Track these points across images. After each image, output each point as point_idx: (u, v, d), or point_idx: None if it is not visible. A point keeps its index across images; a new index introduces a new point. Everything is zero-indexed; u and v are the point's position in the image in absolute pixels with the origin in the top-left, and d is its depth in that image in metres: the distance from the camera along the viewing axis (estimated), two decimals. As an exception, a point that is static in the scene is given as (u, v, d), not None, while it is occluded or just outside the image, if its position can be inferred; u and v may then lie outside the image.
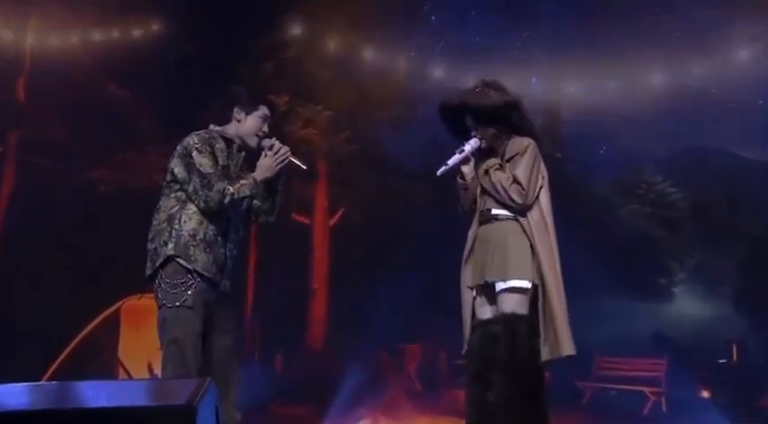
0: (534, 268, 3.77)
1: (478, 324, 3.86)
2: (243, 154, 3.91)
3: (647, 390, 10.00)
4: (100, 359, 10.05)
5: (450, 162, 3.90)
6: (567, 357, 3.76)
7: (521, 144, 3.92)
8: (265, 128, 3.92)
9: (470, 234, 4.00)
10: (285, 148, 3.88)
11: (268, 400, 8.90)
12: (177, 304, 3.60)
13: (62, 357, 9.89)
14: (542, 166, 3.94)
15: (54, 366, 9.77)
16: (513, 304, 3.74)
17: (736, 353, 11.02)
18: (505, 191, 3.80)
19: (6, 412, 1.90)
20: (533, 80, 12.11)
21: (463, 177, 3.99)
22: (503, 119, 3.95)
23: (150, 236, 3.73)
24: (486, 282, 3.86)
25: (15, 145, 11.53)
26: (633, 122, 12.92)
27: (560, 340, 3.73)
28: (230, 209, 3.71)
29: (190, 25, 11.64)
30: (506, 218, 3.88)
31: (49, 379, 9.53)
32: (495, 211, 3.90)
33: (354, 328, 11.49)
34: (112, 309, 10.18)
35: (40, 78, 11.20)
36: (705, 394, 9.94)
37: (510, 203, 3.83)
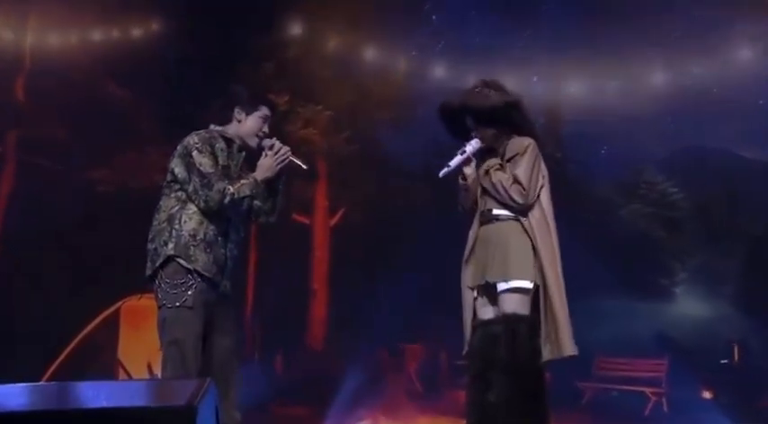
0: (536, 268, 3.77)
1: (479, 325, 3.85)
2: (243, 154, 3.90)
3: (648, 390, 9.98)
4: (100, 360, 10.04)
5: (452, 163, 3.89)
6: (569, 357, 3.76)
7: (521, 144, 3.91)
8: (266, 129, 3.91)
9: (471, 234, 3.99)
10: (285, 148, 3.87)
11: (268, 400, 8.89)
12: (177, 304, 3.59)
13: (62, 357, 9.88)
14: (543, 166, 3.94)
15: (54, 367, 9.76)
16: (515, 305, 3.74)
17: (738, 353, 11.01)
18: (506, 191, 3.80)
19: (6, 413, 1.89)
20: (534, 79, 12.11)
21: (465, 178, 3.98)
22: (503, 119, 3.94)
23: (150, 236, 3.73)
24: (487, 282, 3.86)
25: (15, 145, 11.52)
26: (634, 122, 12.91)
27: (561, 340, 3.73)
28: (230, 209, 3.70)
29: (190, 25, 11.63)
30: (507, 218, 3.87)
31: (49, 379, 9.53)
32: (496, 211, 3.89)
33: (354, 328, 11.48)
34: (112, 309, 10.17)
35: (40, 78, 11.19)
36: (706, 395, 9.93)
37: (511, 203, 3.82)
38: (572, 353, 3.76)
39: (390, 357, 11.36)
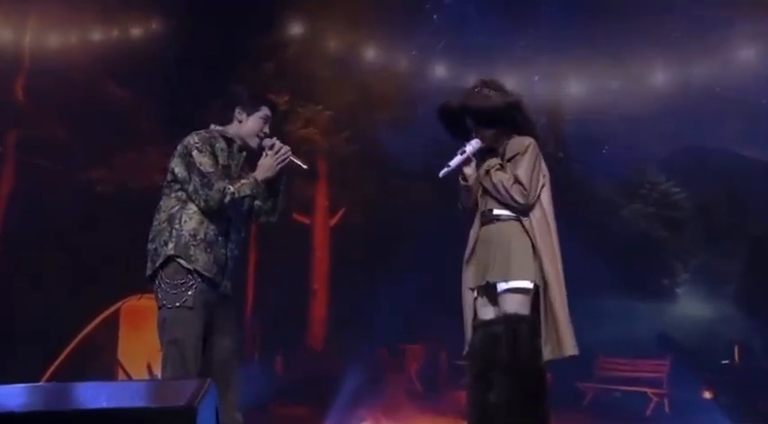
0: (536, 268, 3.76)
1: (480, 325, 3.84)
2: (244, 154, 3.89)
3: (649, 391, 9.97)
4: (99, 360, 10.03)
5: (452, 163, 3.88)
6: (570, 357, 3.75)
7: (521, 143, 3.90)
8: (266, 129, 3.91)
9: (472, 234, 3.98)
10: (286, 148, 3.86)
11: (268, 400, 8.88)
12: (177, 304, 3.58)
13: (62, 357, 9.87)
14: (543, 165, 3.92)
15: (53, 367, 9.76)
16: (516, 305, 3.73)
17: (739, 354, 11.00)
18: (507, 192, 3.78)
19: (6, 414, 1.89)
20: (535, 79, 12.09)
21: (465, 178, 3.97)
22: (503, 119, 3.93)
23: (151, 236, 3.72)
24: (487, 283, 3.85)
25: (14, 145, 11.51)
26: (636, 122, 12.90)
27: (563, 340, 3.72)
28: (231, 209, 3.69)
29: (190, 25, 11.62)
30: (508, 219, 3.86)
31: (49, 379, 9.52)
32: (496, 211, 3.88)
33: (355, 328, 11.47)
34: (112, 310, 10.16)
35: (39, 78, 11.18)
36: (708, 395, 9.90)
37: (512, 203, 3.81)
38: (573, 353, 3.75)
39: (390, 357, 11.35)
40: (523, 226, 3.81)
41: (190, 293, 3.58)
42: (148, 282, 3.73)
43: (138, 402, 2.17)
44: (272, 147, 3.84)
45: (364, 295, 12.22)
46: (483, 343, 3.75)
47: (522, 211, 3.82)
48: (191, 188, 3.66)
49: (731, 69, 10.84)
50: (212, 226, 3.68)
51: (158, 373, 3.88)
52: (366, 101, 12.31)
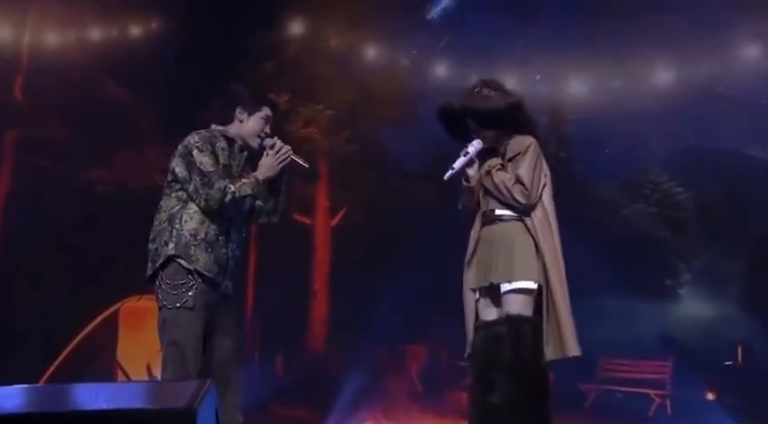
0: (539, 268, 3.74)
1: (482, 326, 3.82)
2: (245, 153, 3.88)
3: (651, 392, 9.95)
4: (99, 361, 10.03)
5: (456, 165, 3.85)
6: (572, 357, 3.74)
7: (522, 143, 3.89)
8: (267, 129, 3.89)
9: (473, 234, 3.96)
10: (287, 147, 3.85)
11: (268, 400, 8.87)
12: (178, 305, 3.56)
13: (61, 358, 9.86)
14: (544, 165, 3.92)
15: (53, 367, 9.74)
16: (519, 306, 3.71)
17: (743, 355, 10.97)
18: (509, 191, 3.77)
19: (5, 415, 1.88)
20: (536, 78, 12.08)
21: (468, 179, 3.95)
22: (505, 120, 3.91)
23: (151, 237, 3.70)
24: (490, 283, 3.82)
25: (13, 144, 11.49)
26: (638, 121, 12.88)
27: (565, 341, 3.71)
28: (231, 208, 3.68)
29: (190, 24, 11.60)
30: (510, 219, 3.85)
31: (48, 380, 9.52)
32: (498, 212, 3.87)
33: (355, 329, 11.45)
34: (111, 310, 10.15)
35: (38, 77, 11.15)
36: (711, 397, 9.89)
37: (513, 203, 3.80)
38: (575, 354, 3.74)
39: (391, 357, 11.34)
40: (526, 226, 3.80)
41: (190, 293, 3.57)
42: (149, 282, 3.71)
43: (138, 404, 2.17)
44: (272, 147, 3.83)
45: (365, 295, 12.19)
46: (485, 344, 3.73)
47: (523, 211, 3.81)
48: (191, 187, 3.64)
49: (733, 68, 10.83)
50: (213, 226, 3.67)
51: (158, 374, 3.86)
52: (366, 101, 12.29)
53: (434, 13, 12.57)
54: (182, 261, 3.59)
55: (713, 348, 11.52)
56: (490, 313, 3.85)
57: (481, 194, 3.93)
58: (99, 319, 10.19)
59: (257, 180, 3.74)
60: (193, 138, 3.73)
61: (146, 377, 8.83)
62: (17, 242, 10.83)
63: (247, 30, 11.63)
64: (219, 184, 3.62)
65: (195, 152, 3.67)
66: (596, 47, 11.17)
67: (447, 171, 3.85)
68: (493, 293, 3.84)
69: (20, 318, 10.66)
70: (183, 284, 3.58)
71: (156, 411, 1.95)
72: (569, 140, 14.14)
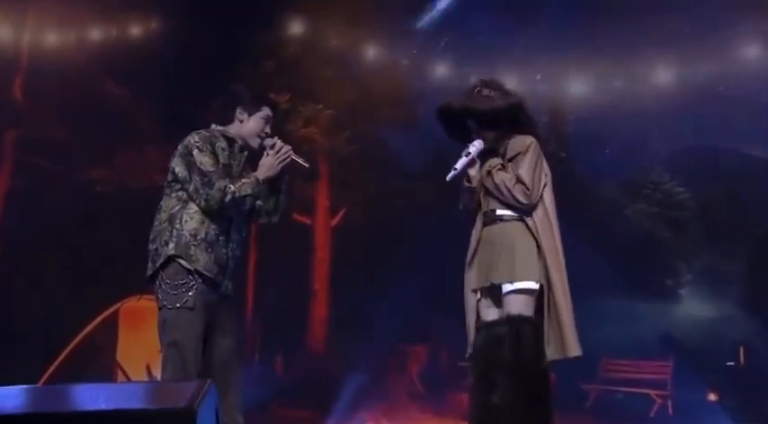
0: (541, 268, 3.73)
1: (483, 326, 3.81)
2: (245, 153, 3.88)
3: (652, 392, 9.93)
4: (99, 361, 10.02)
5: (458, 165, 3.83)
6: (573, 358, 3.73)
7: (522, 142, 3.88)
8: (268, 129, 3.89)
9: (474, 234, 3.95)
10: (287, 147, 3.85)
11: (268, 401, 8.86)
12: (178, 305, 3.56)
13: (61, 358, 9.86)
14: (545, 164, 3.90)
15: (53, 368, 9.74)
16: (520, 306, 3.70)
17: (744, 355, 10.95)
18: (509, 192, 3.76)
19: (4, 415, 1.87)
20: (537, 78, 12.08)
21: (469, 180, 3.94)
22: (505, 120, 3.90)
23: (152, 237, 3.70)
24: (492, 284, 3.81)
25: (13, 144, 11.48)
26: (639, 121, 12.87)
27: (566, 341, 3.70)
28: (232, 208, 3.67)
29: (189, 23, 11.59)
30: (511, 219, 3.83)
31: (48, 380, 9.52)
32: (499, 212, 3.86)
33: (355, 329, 11.44)
34: (111, 311, 10.15)
35: (38, 77, 11.15)
36: (712, 397, 9.85)
37: (515, 203, 3.79)
38: (577, 354, 3.73)
39: (391, 358, 11.33)
40: (527, 226, 3.79)
41: (190, 293, 3.56)
42: (149, 282, 3.70)
43: (137, 404, 2.16)
44: (273, 147, 3.83)
45: (365, 295, 12.18)
46: (486, 344, 3.72)
47: (524, 211, 3.80)
48: (191, 187, 3.64)
49: (733, 68, 10.83)
50: (213, 226, 3.66)
51: (158, 374, 3.86)
52: (366, 101, 12.29)
53: (424, 23, 12.58)
54: (182, 261, 3.58)
55: (714, 348, 11.49)
56: (491, 314, 3.84)
57: (482, 194, 3.92)
58: (99, 319, 10.19)
59: (257, 179, 3.73)
60: (193, 138, 3.72)
61: (145, 378, 8.83)
62: (17, 242, 10.82)
63: (247, 30, 11.62)
64: (220, 184, 3.61)
65: (195, 152, 3.66)
66: (596, 47, 11.16)
67: (448, 171, 3.83)
68: (494, 293, 3.83)
69: (20, 318, 10.65)
70: (183, 284, 3.57)
71: (156, 412, 1.94)
72: (569, 140, 14.12)
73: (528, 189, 3.75)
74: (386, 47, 12.37)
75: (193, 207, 3.65)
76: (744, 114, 12.25)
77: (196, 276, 3.58)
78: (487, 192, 3.87)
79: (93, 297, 10.35)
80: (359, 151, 12.69)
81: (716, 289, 13.93)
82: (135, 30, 11.73)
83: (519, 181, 3.76)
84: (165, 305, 3.59)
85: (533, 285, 3.72)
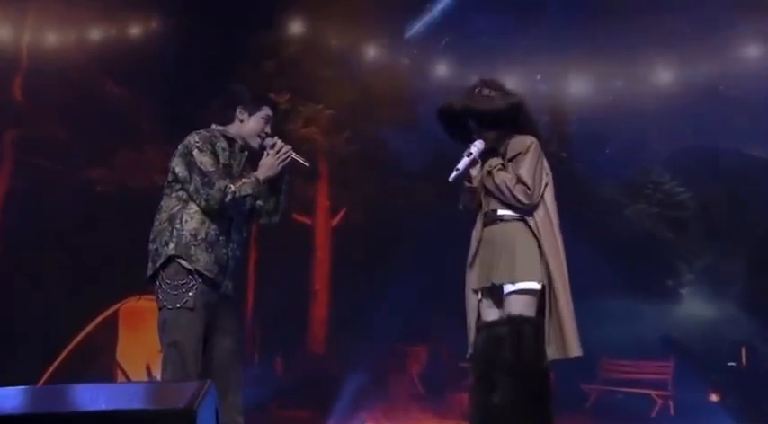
0: (542, 268, 3.72)
1: (484, 326, 3.80)
2: (246, 153, 3.87)
3: (653, 393, 9.91)
4: (98, 361, 10.02)
5: (461, 166, 3.81)
6: (574, 358, 3.72)
7: (522, 142, 3.87)
8: (268, 129, 3.88)
9: (474, 235, 3.94)
10: (287, 147, 3.84)
11: (268, 401, 8.85)
12: (178, 305, 3.55)
13: (61, 358, 9.85)
14: (546, 164, 3.90)
15: (53, 368, 9.73)
16: (521, 306, 3.69)
17: (745, 355, 10.94)
18: (510, 192, 3.75)
19: (5, 415, 1.87)
20: (537, 78, 12.08)
21: (470, 180, 3.93)
22: (505, 120, 3.90)
23: (152, 237, 3.69)
24: (492, 284, 3.81)
25: (13, 144, 11.48)
26: (639, 121, 12.88)
27: (567, 341, 3.69)
28: (232, 208, 3.66)
29: (189, 23, 11.58)
30: (512, 219, 3.82)
31: (48, 380, 9.51)
32: (500, 212, 3.85)
33: (355, 329, 11.44)
34: (111, 311, 10.14)
35: (38, 77, 11.15)
36: (713, 397, 9.83)
37: (515, 203, 3.78)
38: (577, 354, 3.73)
39: (392, 358, 11.32)
40: (528, 226, 3.78)
41: (191, 294, 3.56)
42: (149, 283, 3.70)
43: (137, 404, 2.15)
44: (273, 147, 3.82)
45: (365, 295, 12.18)
46: (486, 345, 3.72)
47: (525, 211, 3.79)
48: (191, 187, 3.63)
49: (733, 68, 10.83)
50: (213, 226, 3.66)
51: (158, 374, 3.85)
52: (366, 101, 12.29)
53: (414, 32, 12.60)
54: (182, 261, 3.58)
55: (716, 348, 11.48)
56: (492, 314, 3.83)
57: (482, 194, 3.91)
58: (99, 319, 10.19)
59: (258, 179, 3.73)
60: (193, 138, 3.72)
61: (145, 378, 8.82)
62: (17, 242, 10.82)
63: (247, 30, 11.62)
64: (220, 184, 3.61)
65: (195, 152, 3.66)
66: (597, 47, 11.16)
67: (449, 171, 3.82)
68: (495, 293, 3.82)
69: (20, 318, 10.65)
70: (183, 284, 3.56)
71: (156, 412, 1.94)
72: (570, 140, 14.12)
73: (529, 189, 3.74)
74: (386, 47, 12.37)
75: (194, 207, 3.65)
76: (744, 114, 12.25)
77: (196, 276, 3.58)
78: (488, 192, 3.86)
79: (93, 297, 10.35)
80: (359, 151, 12.69)
81: (717, 289, 13.93)
82: (135, 30, 11.73)
83: (520, 180, 3.75)
84: (165, 306, 3.58)
85: (535, 285, 3.71)
